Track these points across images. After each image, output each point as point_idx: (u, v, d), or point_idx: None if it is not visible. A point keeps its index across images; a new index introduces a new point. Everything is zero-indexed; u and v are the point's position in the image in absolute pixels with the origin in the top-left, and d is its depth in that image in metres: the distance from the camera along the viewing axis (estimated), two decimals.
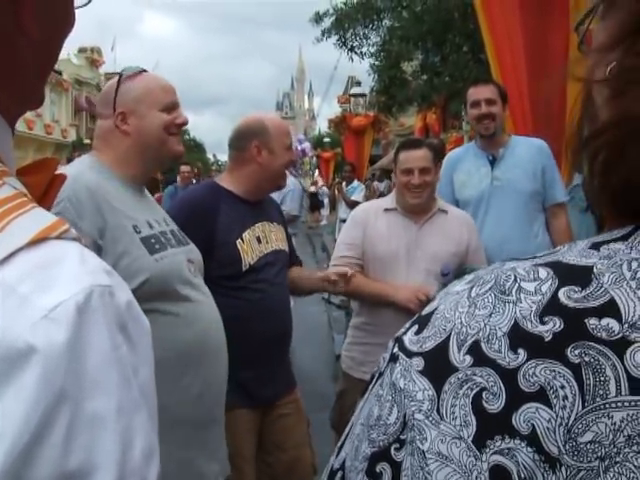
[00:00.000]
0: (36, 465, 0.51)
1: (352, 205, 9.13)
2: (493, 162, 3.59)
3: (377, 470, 0.53)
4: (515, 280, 0.54)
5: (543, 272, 0.54)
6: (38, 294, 0.54)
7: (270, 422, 2.71)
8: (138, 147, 1.99)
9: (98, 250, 1.78)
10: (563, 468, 0.48)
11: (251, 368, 2.56)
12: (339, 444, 0.60)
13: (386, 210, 3.16)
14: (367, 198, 9.39)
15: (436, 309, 0.57)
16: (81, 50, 43.49)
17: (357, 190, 10.07)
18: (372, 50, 14.97)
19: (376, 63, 14.77)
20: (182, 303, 1.91)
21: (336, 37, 15.02)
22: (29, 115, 28.72)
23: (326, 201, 11.53)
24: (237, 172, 2.68)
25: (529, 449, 0.49)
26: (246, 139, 2.66)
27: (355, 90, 19.94)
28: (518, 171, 3.54)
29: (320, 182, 24.61)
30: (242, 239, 2.56)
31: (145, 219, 1.93)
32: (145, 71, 2.07)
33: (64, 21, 0.72)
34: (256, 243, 2.60)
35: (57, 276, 0.56)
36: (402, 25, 14.03)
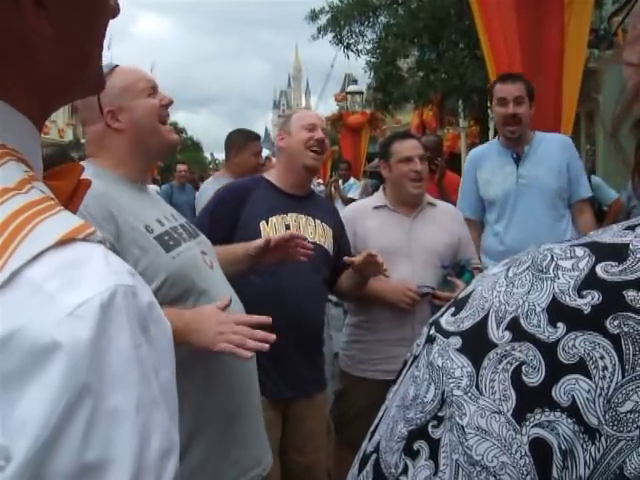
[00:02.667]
0: (56, 456, 0.53)
1: (348, 203, 9.09)
2: (518, 160, 3.55)
3: (415, 448, 0.53)
4: (552, 259, 0.55)
5: (580, 251, 0.55)
6: (64, 292, 0.56)
7: (293, 422, 2.70)
8: (135, 142, 1.96)
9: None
10: (603, 438, 0.48)
11: (268, 358, 2.55)
12: (372, 429, 0.60)
13: (375, 208, 3.16)
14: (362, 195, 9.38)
15: (473, 291, 0.57)
16: None
17: (353, 188, 10.04)
18: (368, 47, 14.95)
19: (372, 60, 14.75)
20: (204, 297, 1.89)
21: (332, 34, 15.00)
22: None
23: None
24: (276, 164, 2.92)
25: (569, 420, 0.49)
26: (277, 133, 2.91)
27: (352, 88, 19.92)
28: (543, 169, 3.51)
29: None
30: (267, 222, 2.63)
31: (154, 217, 1.92)
32: (117, 66, 2.00)
33: (91, 8, 0.72)
34: (283, 229, 2.64)
35: (83, 275, 0.58)
36: (398, 22, 14.02)
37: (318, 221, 2.79)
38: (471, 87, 12.30)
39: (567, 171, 3.53)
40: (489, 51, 4.46)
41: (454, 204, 3.75)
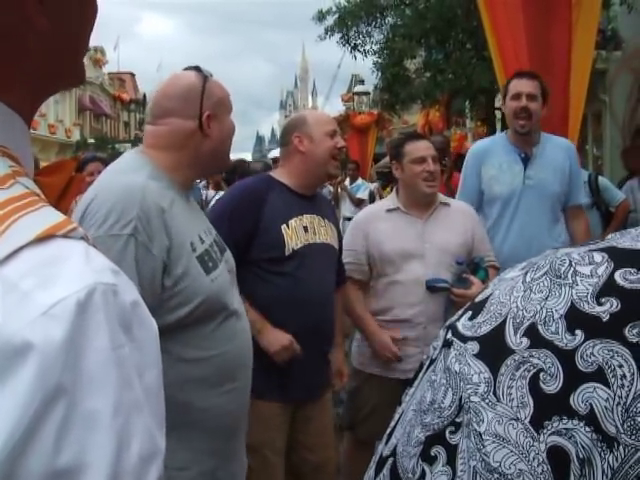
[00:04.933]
0: (27, 460, 0.51)
1: (358, 203, 9.10)
2: (526, 160, 3.54)
3: (432, 454, 0.53)
4: (570, 264, 0.54)
5: (598, 256, 0.54)
6: (39, 291, 0.54)
7: (301, 422, 2.70)
8: (211, 151, 1.96)
9: (164, 270, 1.76)
10: (621, 447, 0.48)
11: (288, 361, 2.54)
12: (388, 431, 0.59)
13: (388, 211, 3.17)
14: (371, 196, 9.38)
15: (490, 295, 0.57)
16: None
17: (361, 188, 10.03)
18: (375, 48, 14.99)
19: (379, 61, 14.76)
20: (227, 319, 1.90)
21: (339, 35, 15.02)
22: None
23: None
24: (286, 165, 2.79)
25: (587, 429, 0.48)
26: (289, 133, 2.78)
27: (359, 88, 19.92)
28: (549, 172, 3.52)
29: None
30: (287, 225, 2.61)
31: (197, 232, 1.89)
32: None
33: (80, 9, 0.71)
34: (302, 231, 2.64)
35: (60, 273, 0.56)
36: (405, 23, 14.04)
37: (327, 221, 2.79)
38: (478, 88, 12.30)
39: (569, 176, 3.56)
40: (497, 52, 4.45)
41: None
